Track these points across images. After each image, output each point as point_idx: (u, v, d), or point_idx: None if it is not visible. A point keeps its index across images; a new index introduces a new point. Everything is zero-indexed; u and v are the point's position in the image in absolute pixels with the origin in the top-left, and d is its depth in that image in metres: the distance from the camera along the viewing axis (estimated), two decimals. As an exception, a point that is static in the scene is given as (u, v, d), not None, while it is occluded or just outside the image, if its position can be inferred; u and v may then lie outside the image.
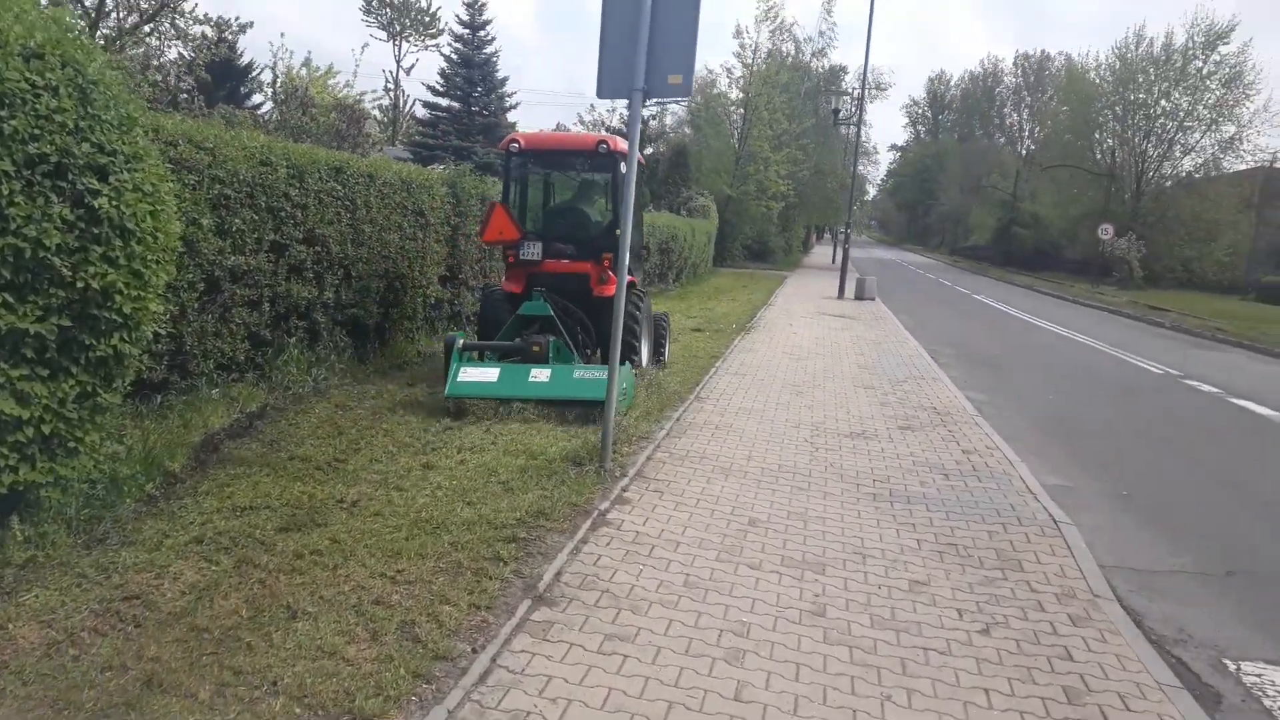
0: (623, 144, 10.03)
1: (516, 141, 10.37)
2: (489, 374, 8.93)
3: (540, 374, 8.91)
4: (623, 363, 8.36)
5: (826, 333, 18.53)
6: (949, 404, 11.49)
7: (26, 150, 4.39)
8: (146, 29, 15.92)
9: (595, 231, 10.77)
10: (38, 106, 4.43)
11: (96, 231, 4.81)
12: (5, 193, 4.29)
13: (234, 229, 7.85)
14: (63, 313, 4.77)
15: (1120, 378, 16.16)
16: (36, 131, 4.44)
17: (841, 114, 31.27)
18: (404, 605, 4.60)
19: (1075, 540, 6.57)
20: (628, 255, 7.44)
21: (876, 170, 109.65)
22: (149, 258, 5.23)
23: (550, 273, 10.29)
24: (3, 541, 4.87)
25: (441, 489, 6.48)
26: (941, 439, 9.51)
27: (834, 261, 54.38)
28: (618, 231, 8.16)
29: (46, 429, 4.89)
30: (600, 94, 6.96)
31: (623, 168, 9.17)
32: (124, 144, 5.06)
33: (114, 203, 4.84)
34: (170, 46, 17.14)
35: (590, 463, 7.12)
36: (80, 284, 4.76)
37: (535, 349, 9.24)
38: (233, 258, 7.87)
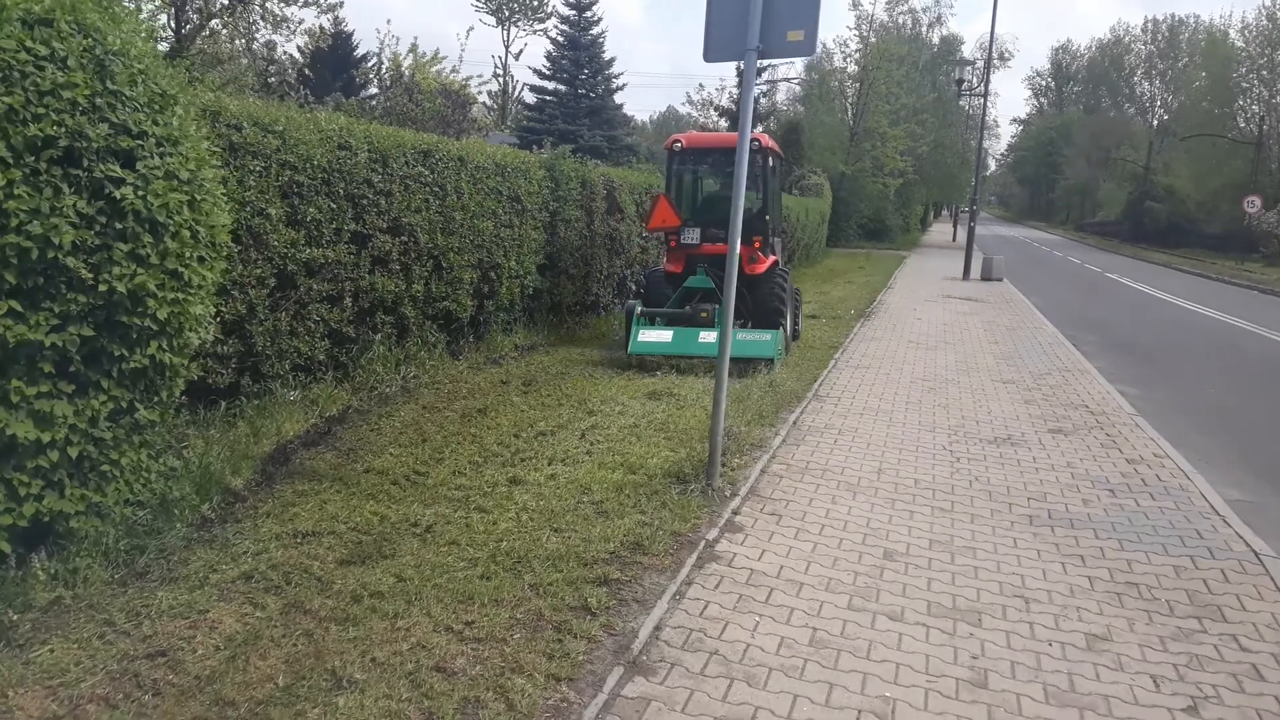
0: (769, 141, 12.19)
1: (679, 141, 12.11)
2: (664, 335, 10.66)
3: (708, 335, 10.45)
4: (776, 328, 11.02)
5: (954, 318, 17.17)
6: (1101, 401, 10.17)
7: (27, 133, 3.72)
8: (224, 27, 15.63)
9: (746, 218, 10.68)
10: (40, 81, 3.76)
11: (120, 226, 4.15)
12: (2, 183, 3.64)
13: (308, 219, 7.22)
14: (84, 321, 4.13)
15: (1293, 367, 14.39)
16: (40, 111, 3.77)
17: (965, 84, 29.37)
18: (469, 674, 3.80)
19: (1290, 582, 5.38)
20: (737, 238, 6.51)
21: (997, 144, 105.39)
22: (187, 255, 4.56)
23: (707, 254, 11.66)
24: (25, 581, 4.27)
25: (527, 510, 5.69)
26: (1100, 444, 8.28)
27: (955, 239, 52.11)
28: (767, 217, 11.64)
29: (74, 451, 4.28)
30: (708, 57, 6.02)
31: (770, 162, 12.01)
32: (155, 125, 4.38)
33: (140, 193, 4.17)
34: (265, 35, 16.89)
35: (696, 479, 6.24)
36: (104, 287, 4.11)
37: (703, 315, 10.85)
38: (308, 250, 7.25)
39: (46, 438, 4.10)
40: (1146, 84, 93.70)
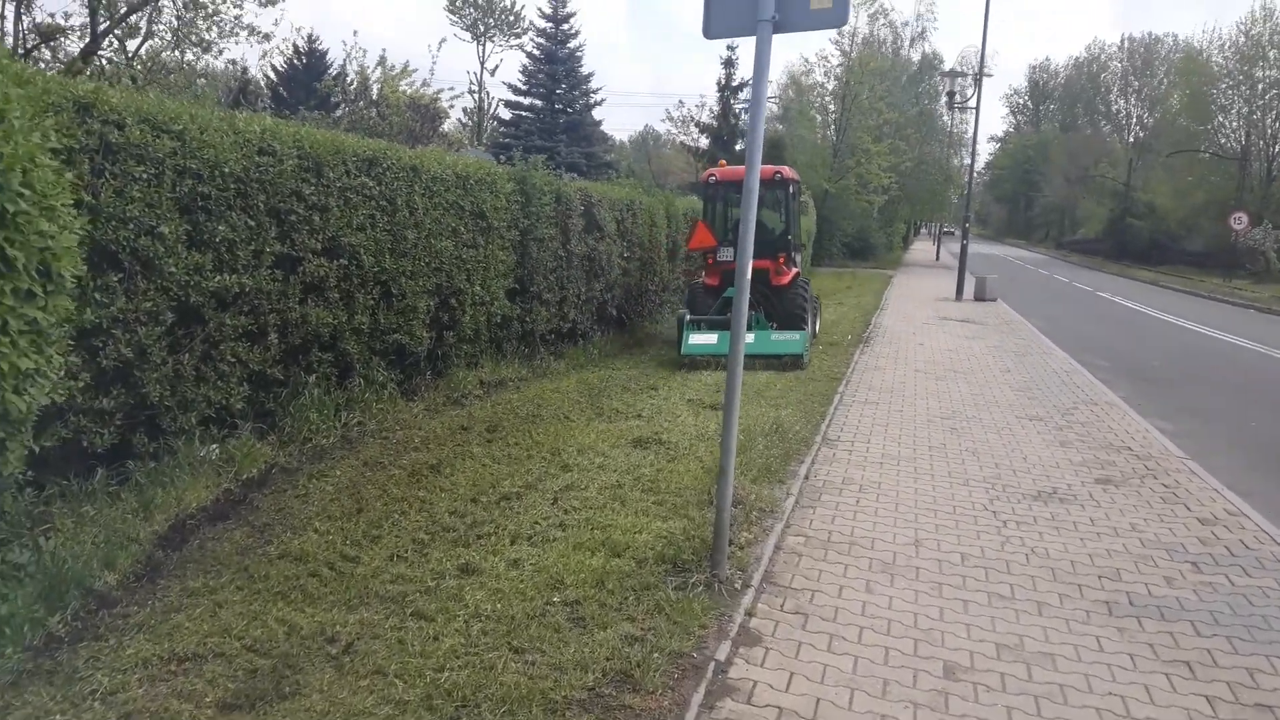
0: (791, 173, 14.52)
1: (713, 175, 14.39)
2: (710, 338, 12.35)
3: (748, 337, 10.68)
4: (800, 329, 12.96)
5: (958, 343, 15.99)
6: (1142, 441, 8.97)
7: None
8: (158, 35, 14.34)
9: (772, 237, 13.88)
10: None
11: None
12: None
13: (218, 239, 5.92)
14: None
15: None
16: None
17: (955, 97, 28.33)
18: None
19: None
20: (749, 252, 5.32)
21: (975, 162, 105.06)
22: (-8, 291, 3.25)
23: None
24: None
25: (480, 618, 4.39)
26: (1159, 499, 7.06)
27: (938, 259, 51.27)
28: (790, 236, 14.15)
29: None
30: (709, 32, 4.77)
31: (791, 190, 14.31)
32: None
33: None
34: (220, 47, 15.62)
35: (698, 566, 4.96)
36: None
37: None
38: (217, 277, 5.94)
39: None
40: (1123, 101, 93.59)
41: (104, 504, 5.18)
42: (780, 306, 13.47)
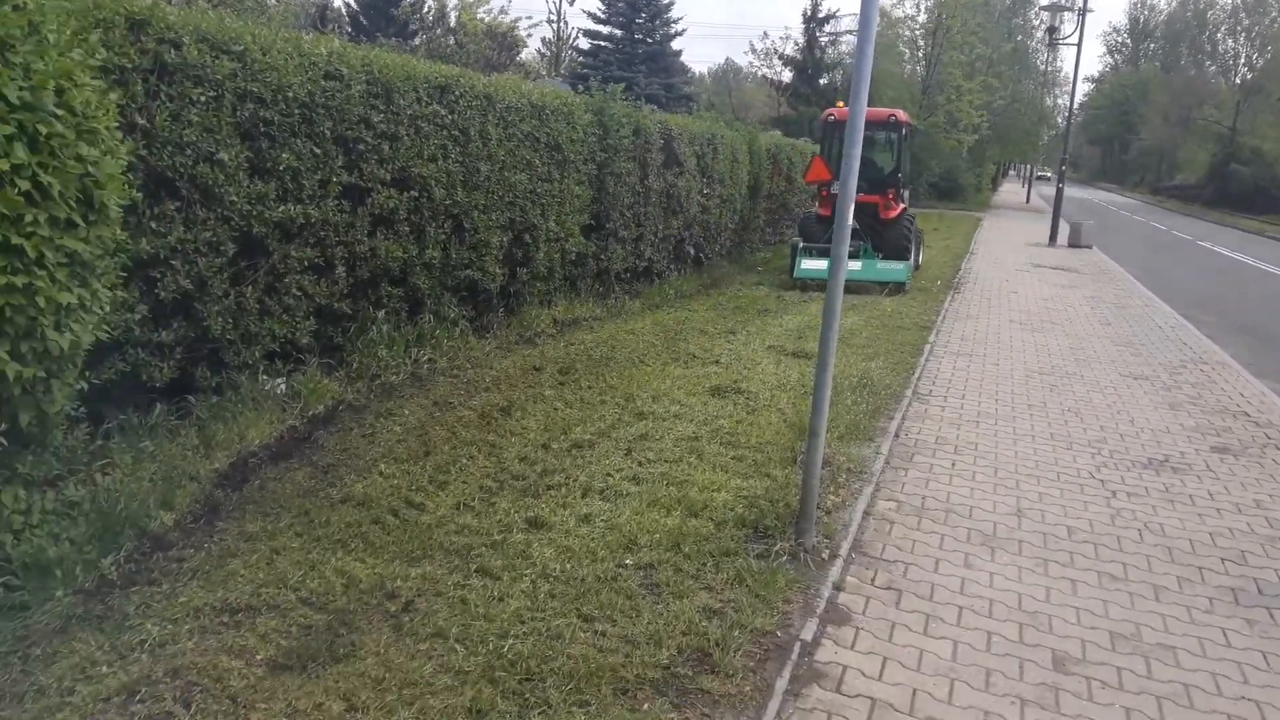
0: (904, 116, 15.68)
1: (831, 114, 15.18)
2: (820, 264, 13.64)
3: (855, 265, 13.52)
4: (904, 260, 14.38)
5: (1053, 291, 15.18)
6: (1259, 405, 8.29)
7: None
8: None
9: (882, 175, 15.31)
10: None
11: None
12: None
13: (282, 167, 5.63)
14: None
15: None
16: None
17: (1054, 33, 26.61)
18: None
19: None
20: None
21: (1069, 103, 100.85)
22: (28, 219, 2.99)
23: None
24: None
25: (548, 578, 4.10)
26: (1286, 472, 6.47)
27: (1028, 201, 49.40)
28: (899, 174, 15.51)
29: None
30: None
31: (903, 132, 15.60)
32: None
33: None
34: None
35: (781, 533, 4.59)
36: None
37: (851, 249, 12.10)
38: (281, 207, 5.67)
39: None
40: (1231, 40, 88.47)
41: (163, 440, 5.00)
42: (887, 239, 14.68)
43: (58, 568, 3.76)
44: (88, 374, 4.24)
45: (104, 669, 3.28)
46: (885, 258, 14.38)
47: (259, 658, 3.41)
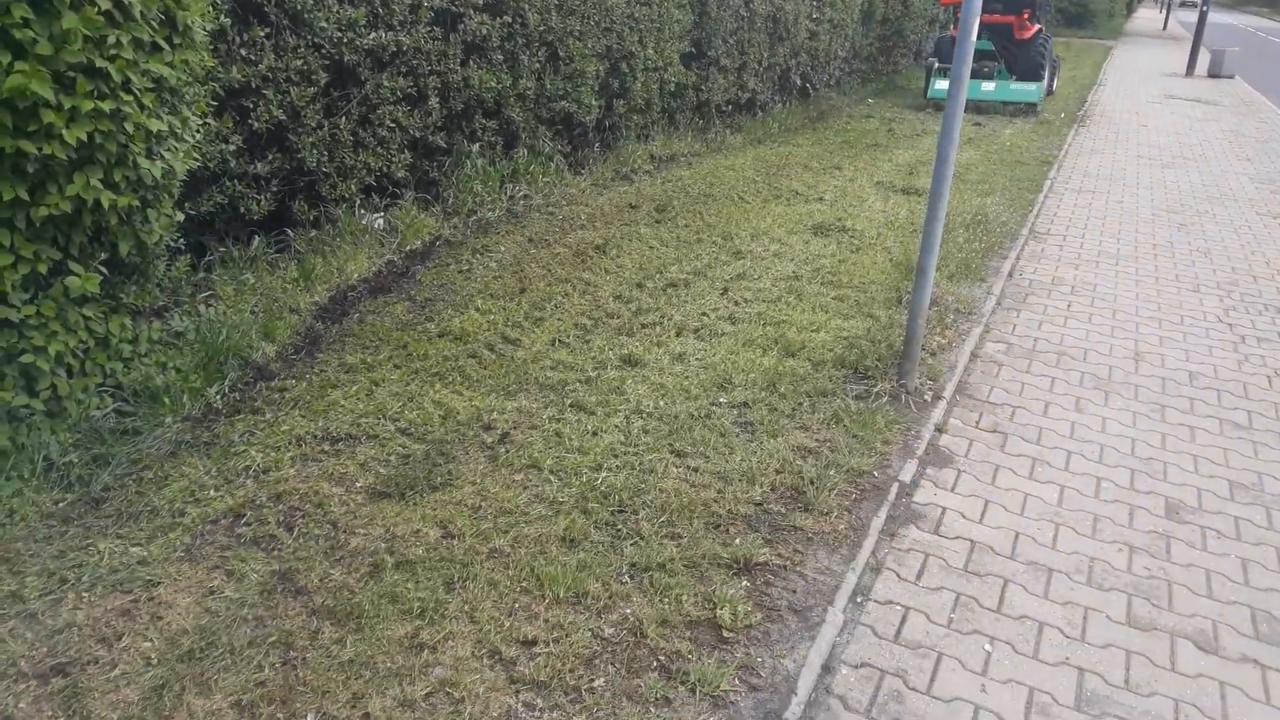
0: None
1: None
2: None
3: (988, 85, 13.93)
4: (1038, 80, 14.30)
5: (1187, 125, 14.07)
6: None
7: None
8: None
9: None
10: None
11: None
12: None
13: (370, -10, 5.44)
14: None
15: None
16: None
17: None
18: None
19: None
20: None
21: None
22: (111, 40, 2.91)
23: (987, 23, 14.39)
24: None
25: (642, 414, 4.07)
26: None
27: (1164, 28, 45.55)
28: None
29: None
30: None
31: None
32: None
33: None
34: None
35: (882, 374, 4.44)
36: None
37: (985, 70, 14.20)
38: (371, 34, 5.50)
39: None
40: None
41: (263, 272, 5.07)
42: (1020, 59, 14.61)
43: (166, 395, 3.89)
44: (186, 205, 4.26)
45: (211, 492, 3.41)
46: (1019, 79, 14.40)
47: (358, 485, 3.49)
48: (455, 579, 2.95)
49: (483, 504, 3.38)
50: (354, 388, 4.25)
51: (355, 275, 5.53)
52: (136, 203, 3.27)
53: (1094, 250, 7.08)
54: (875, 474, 3.67)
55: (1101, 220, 8.00)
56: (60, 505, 3.30)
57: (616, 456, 3.71)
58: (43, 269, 3.14)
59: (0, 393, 3.14)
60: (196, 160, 3.80)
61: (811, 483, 3.53)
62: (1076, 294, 6.08)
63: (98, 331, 3.60)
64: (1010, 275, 6.32)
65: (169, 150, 3.35)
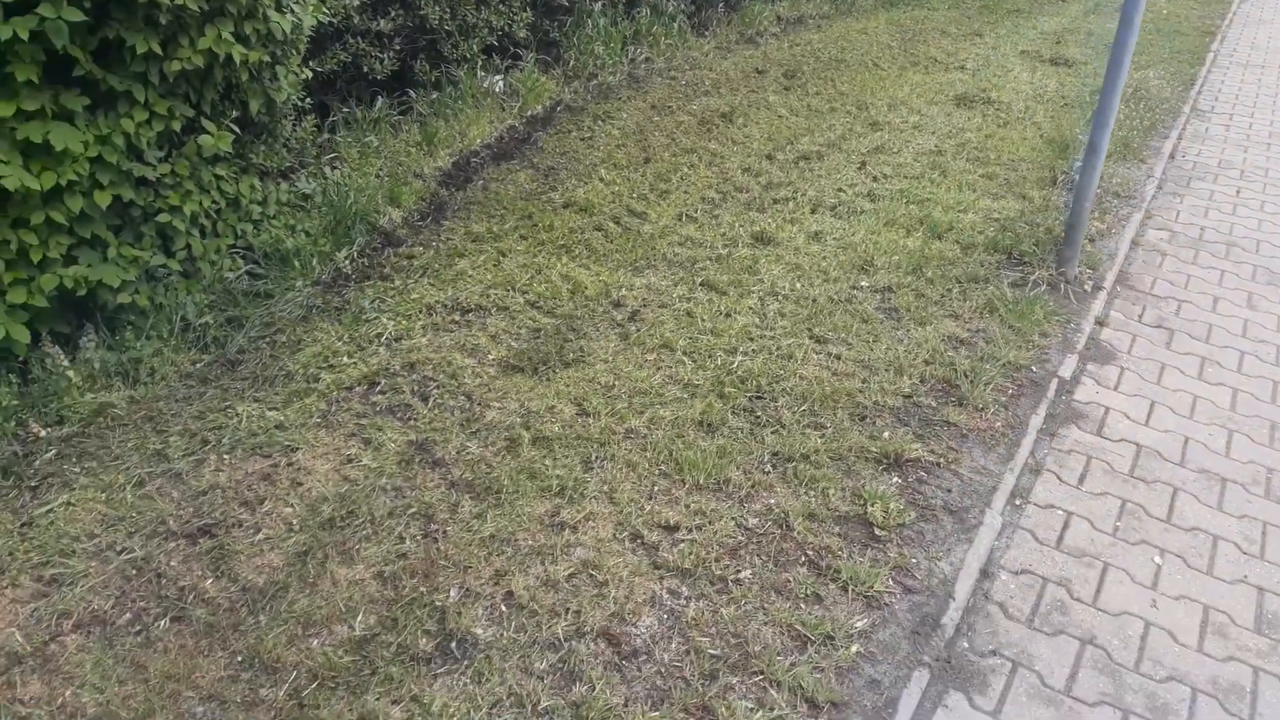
0: None
1: None
2: None
3: None
4: None
5: (1372, -8, 12.67)
6: None
7: None
8: None
9: None
10: None
11: None
12: None
13: None
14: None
15: None
16: None
17: None
18: (651, 657, 2.24)
19: None
20: None
21: None
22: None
23: None
24: (70, 373, 3.01)
25: (777, 296, 3.87)
26: None
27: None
28: None
29: (104, 198, 2.84)
30: None
31: None
32: None
33: None
34: None
35: (1039, 261, 4.13)
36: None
37: None
38: (495, -120, 5.20)
39: (48, 182, 2.63)
40: None
41: (386, 134, 4.97)
42: None
43: (295, 258, 3.85)
44: (310, 63, 4.13)
45: (345, 359, 3.37)
46: None
47: (490, 357, 3.41)
48: (593, 458, 2.87)
49: (616, 383, 3.27)
50: (481, 258, 4.14)
51: (478, 140, 5.38)
52: (266, 58, 3.15)
53: (1264, 131, 6.45)
54: (1033, 369, 3.43)
55: (1272, 98, 7.28)
56: (198, 366, 3.32)
57: (752, 340, 3.55)
58: (176, 126, 3.06)
59: (139, 252, 3.12)
60: (325, 14, 3.64)
61: (965, 375, 3.32)
62: (1246, 179, 5.56)
63: (229, 192, 3.55)
64: (1172, 156, 5.81)
65: (297, 3, 3.20)
